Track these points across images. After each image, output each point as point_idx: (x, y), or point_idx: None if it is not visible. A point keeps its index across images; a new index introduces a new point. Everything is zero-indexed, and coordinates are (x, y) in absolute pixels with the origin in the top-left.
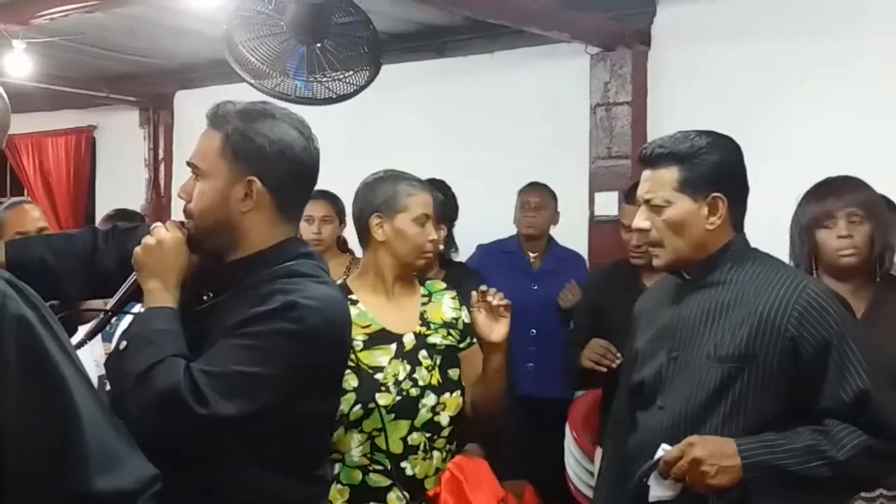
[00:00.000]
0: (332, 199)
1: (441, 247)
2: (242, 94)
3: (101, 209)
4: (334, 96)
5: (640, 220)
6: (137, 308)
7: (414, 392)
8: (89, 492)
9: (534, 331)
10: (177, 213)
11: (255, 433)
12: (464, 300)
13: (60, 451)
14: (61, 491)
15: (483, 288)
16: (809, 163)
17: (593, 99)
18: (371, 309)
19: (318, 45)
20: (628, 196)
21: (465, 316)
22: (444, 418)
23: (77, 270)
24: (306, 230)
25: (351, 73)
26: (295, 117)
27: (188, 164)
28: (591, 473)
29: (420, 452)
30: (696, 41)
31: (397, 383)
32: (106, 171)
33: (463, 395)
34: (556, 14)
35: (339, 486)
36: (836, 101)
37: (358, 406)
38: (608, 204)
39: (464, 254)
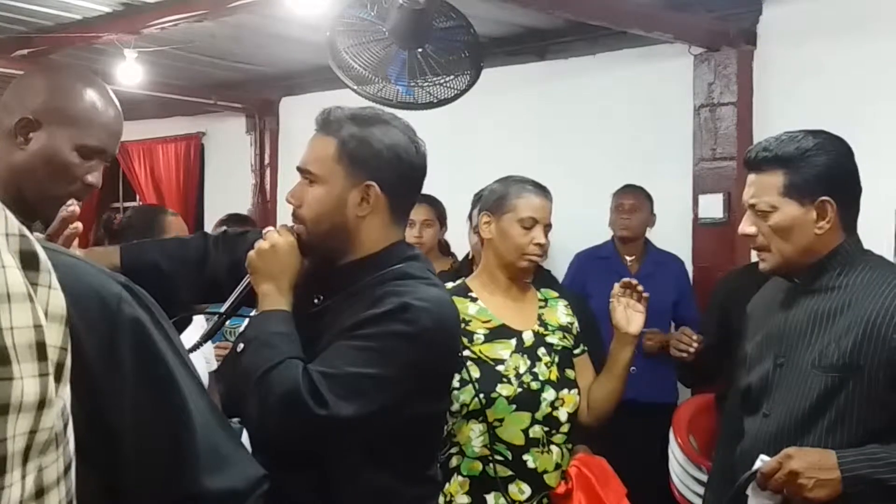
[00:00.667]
0: (432, 203)
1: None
2: (345, 99)
3: (209, 214)
4: (435, 101)
5: (746, 225)
6: (252, 311)
7: (535, 385)
8: (200, 491)
9: None
10: (282, 218)
11: (370, 434)
12: None
13: (172, 450)
14: (172, 489)
15: (626, 280)
16: None
17: (697, 100)
18: (490, 306)
19: (420, 50)
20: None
21: (577, 324)
22: (562, 414)
23: (189, 275)
24: (407, 234)
25: (452, 77)
26: (402, 122)
27: (299, 169)
28: (696, 480)
29: (540, 446)
30: (804, 39)
31: (518, 376)
32: (214, 177)
33: (579, 394)
34: (658, 15)
35: (459, 477)
36: None
37: (480, 396)
38: (713, 206)
39: (558, 257)
